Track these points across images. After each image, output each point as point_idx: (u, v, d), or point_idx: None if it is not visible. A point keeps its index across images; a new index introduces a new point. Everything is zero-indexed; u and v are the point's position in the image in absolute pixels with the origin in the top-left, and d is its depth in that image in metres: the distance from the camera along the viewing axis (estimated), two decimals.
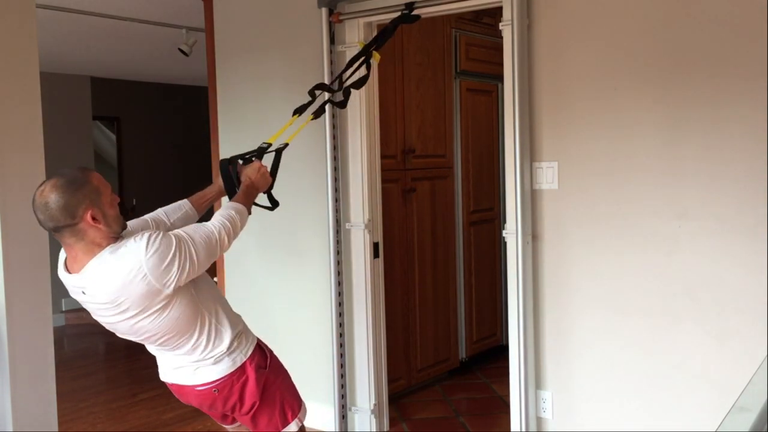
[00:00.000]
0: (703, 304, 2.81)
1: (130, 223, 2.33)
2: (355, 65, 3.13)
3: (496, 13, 3.43)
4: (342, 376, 3.74)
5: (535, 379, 3.19)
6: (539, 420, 3.22)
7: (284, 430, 2.44)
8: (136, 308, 2.10)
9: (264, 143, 2.73)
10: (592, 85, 3.01)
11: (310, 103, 2.94)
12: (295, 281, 3.98)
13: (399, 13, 3.31)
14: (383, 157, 3.84)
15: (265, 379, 2.39)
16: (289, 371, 2.56)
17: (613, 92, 2.97)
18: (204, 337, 2.27)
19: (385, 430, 3.81)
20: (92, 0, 4.46)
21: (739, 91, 2.70)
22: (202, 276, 2.29)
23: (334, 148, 3.65)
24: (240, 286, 4.22)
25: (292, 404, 2.48)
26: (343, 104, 3.09)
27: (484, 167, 4.91)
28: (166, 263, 2.05)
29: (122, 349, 6.31)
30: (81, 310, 7.26)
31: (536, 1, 3.09)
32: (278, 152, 2.73)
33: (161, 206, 2.65)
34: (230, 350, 2.31)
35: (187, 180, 10.29)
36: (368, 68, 3.09)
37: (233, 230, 2.32)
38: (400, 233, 4.25)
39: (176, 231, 2.18)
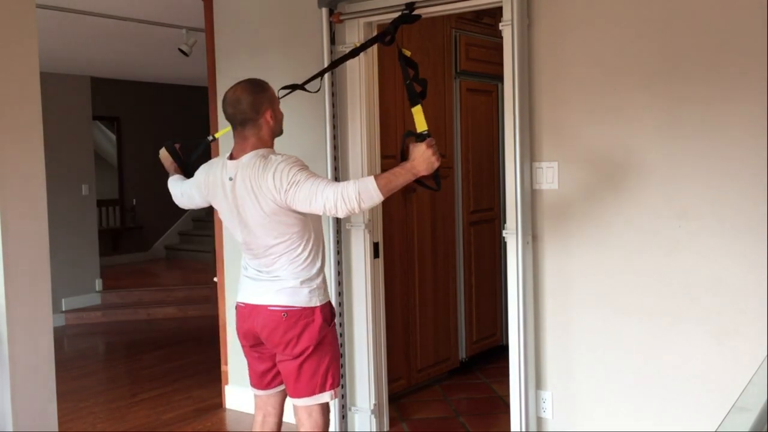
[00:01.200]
0: (703, 304, 2.81)
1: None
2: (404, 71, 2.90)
3: (496, 13, 3.43)
4: (342, 376, 3.74)
5: (535, 379, 3.19)
6: (539, 420, 3.22)
7: (320, 394, 2.60)
8: (264, 200, 2.48)
9: (210, 137, 3.08)
10: (592, 85, 3.01)
11: (293, 88, 3.00)
12: None
13: (399, 14, 3.31)
14: (383, 157, 3.83)
15: (326, 334, 2.61)
16: None
17: (613, 92, 2.97)
18: (303, 254, 2.57)
19: (385, 430, 3.81)
20: (92, 0, 4.46)
21: (738, 90, 2.70)
22: (318, 225, 2.66)
23: (335, 147, 3.65)
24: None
25: (335, 374, 2.65)
26: (423, 94, 2.80)
27: (484, 167, 4.91)
28: (293, 184, 2.44)
29: (122, 349, 6.32)
30: (81, 310, 7.29)
31: (536, 1, 3.09)
32: (425, 136, 2.57)
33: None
34: (312, 284, 2.59)
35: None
36: (413, 65, 2.83)
37: (347, 206, 2.39)
38: (400, 233, 4.25)
39: (313, 175, 2.48)
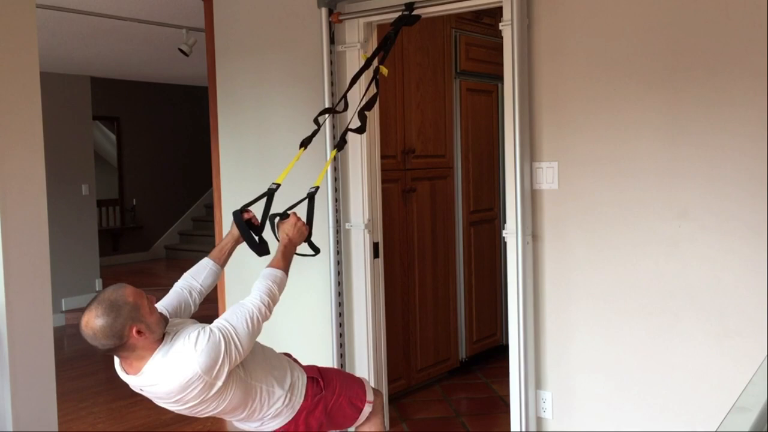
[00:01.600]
0: (703, 304, 2.81)
1: (165, 301, 2.54)
2: (367, 86, 3.14)
3: (496, 13, 3.44)
4: None
5: (535, 379, 3.19)
6: (539, 420, 3.22)
7: (361, 415, 2.70)
8: (194, 401, 2.30)
9: (273, 184, 2.79)
10: (592, 85, 3.01)
11: (316, 132, 3.00)
12: (294, 281, 3.97)
13: (399, 14, 3.31)
14: (383, 157, 3.84)
15: (324, 401, 2.61)
16: None
17: (613, 92, 2.97)
18: (257, 403, 2.45)
19: (386, 430, 3.80)
20: (92, 0, 4.46)
21: (739, 90, 2.70)
22: (258, 358, 2.48)
23: (334, 147, 3.64)
24: (240, 286, 4.21)
25: (358, 393, 2.70)
26: (361, 129, 3.05)
27: (484, 167, 4.91)
28: (216, 361, 2.24)
29: None
30: (81, 310, 7.27)
31: (536, 1, 3.09)
32: (311, 197, 2.72)
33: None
34: (286, 402, 2.50)
35: (186, 180, 10.33)
36: (377, 86, 3.08)
37: (273, 303, 2.46)
38: (400, 233, 4.25)
39: (218, 323, 2.31)
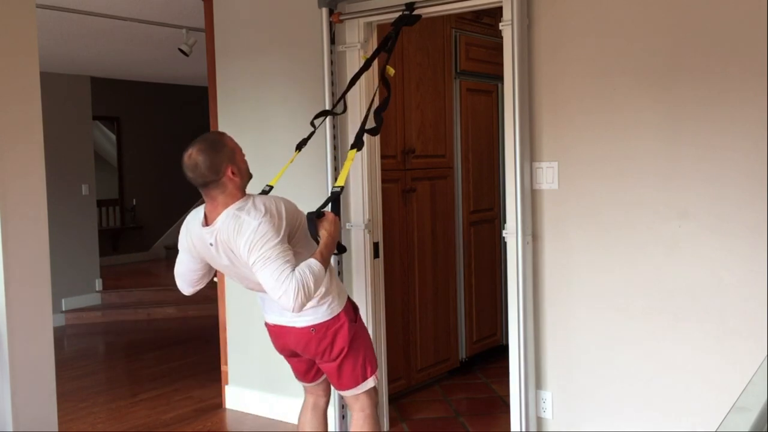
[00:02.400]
0: (703, 303, 2.81)
1: None
2: (377, 88, 3.15)
3: (496, 13, 3.44)
4: None
5: (535, 379, 3.19)
6: (539, 420, 3.22)
7: (363, 383, 2.76)
8: (244, 259, 2.45)
9: (267, 186, 2.87)
10: (592, 85, 3.01)
11: (312, 134, 3.05)
12: None
13: (399, 14, 3.31)
14: (383, 157, 3.84)
15: (354, 332, 2.71)
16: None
17: (613, 92, 2.97)
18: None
19: (385, 430, 3.81)
20: (92, 0, 4.46)
21: (739, 90, 2.70)
22: (303, 242, 2.61)
23: (335, 148, 3.65)
24: (240, 286, 4.21)
25: (372, 361, 2.79)
26: (376, 130, 3.06)
27: (484, 167, 4.91)
28: (258, 263, 2.41)
29: (122, 349, 6.32)
30: (81, 310, 7.29)
31: (536, 1, 3.09)
32: (336, 198, 2.73)
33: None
34: (325, 301, 2.63)
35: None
36: (388, 87, 3.07)
37: (306, 284, 2.40)
38: (400, 233, 4.25)
39: (281, 253, 2.42)
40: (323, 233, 2.59)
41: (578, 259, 3.09)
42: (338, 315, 2.67)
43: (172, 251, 10.18)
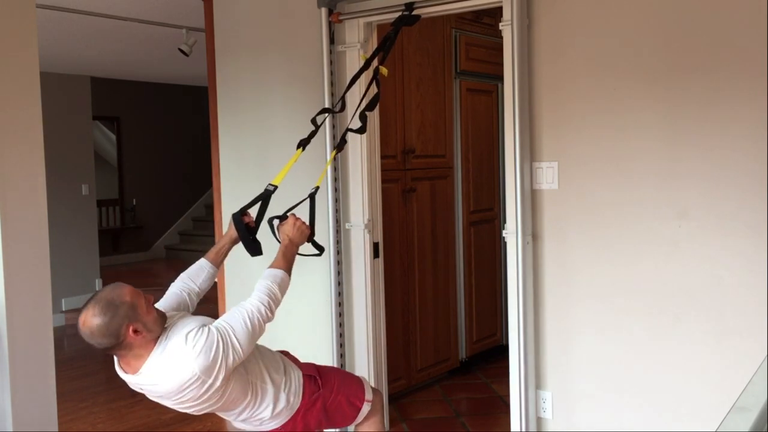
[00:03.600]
0: (703, 304, 2.81)
1: (164, 303, 2.54)
2: (367, 86, 3.15)
3: (496, 13, 3.43)
4: None
5: (535, 379, 3.19)
6: (539, 420, 3.22)
7: (359, 414, 2.69)
8: (193, 400, 2.30)
9: (270, 185, 2.77)
10: (592, 85, 3.01)
11: (314, 133, 2.98)
12: (295, 281, 3.97)
13: (399, 14, 3.31)
14: (383, 157, 3.84)
15: (322, 399, 2.60)
16: None
17: (613, 92, 2.97)
18: (253, 400, 2.45)
19: (386, 430, 3.80)
20: (92, 0, 4.46)
21: (739, 90, 2.70)
22: (250, 357, 2.44)
23: (334, 148, 3.64)
24: (240, 287, 4.22)
25: (356, 392, 2.70)
26: (362, 130, 3.06)
27: (484, 167, 4.91)
28: (215, 361, 2.22)
29: None
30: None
31: (536, 1, 3.09)
32: (312, 198, 2.73)
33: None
34: (282, 400, 2.50)
35: (186, 180, 10.33)
36: (378, 86, 3.08)
37: (275, 303, 2.41)
38: (400, 233, 4.25)
39: (217, 323, 2.31)
40: (283, 237, 2.58)
41: (578, 259, 3.09)
42: (300, 405, 2.55)
43: (172, 251, 10.18)
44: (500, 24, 3.11)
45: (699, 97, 2.78)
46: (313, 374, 2.64)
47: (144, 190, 9.87)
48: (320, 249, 2.81)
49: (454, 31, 4.60)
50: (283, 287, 2.47)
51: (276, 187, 2.75)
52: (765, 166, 2.65)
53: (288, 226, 2.61)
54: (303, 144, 2.95)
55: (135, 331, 2.19)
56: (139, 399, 4.57)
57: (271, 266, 2.53)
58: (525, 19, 3.07)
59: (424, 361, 4.45)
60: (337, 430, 2.93)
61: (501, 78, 3.21)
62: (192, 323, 2.30)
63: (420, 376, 4.43)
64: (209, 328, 2.26)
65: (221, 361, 2.23)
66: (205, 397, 2.29)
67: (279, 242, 2.62)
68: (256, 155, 4.11)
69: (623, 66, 2.94)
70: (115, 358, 2.32)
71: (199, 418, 4.16)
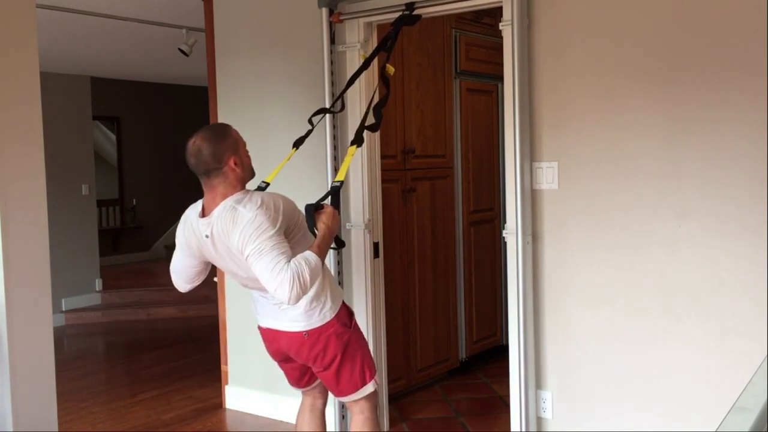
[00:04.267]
0: (703, 304, 2.81)
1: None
2: (377, 86, 3.17)
3: (496, 13, 3.44)
4: None
5: (535, 379, 3.19)
6: (539, 420, 3.22)
7: (363, 388, 2.73)
8: (239, 254, 2.45)
9: (263, 182, 2.86)
10: (592, 85, 3.01)
11: (309, 132, 3.06)
12: None
13: (399, 14, 3.31)
14: (383, 157, 3.84)
15: (348, 337, 2.69)
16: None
17: (613, 92, 2.97)
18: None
19: (385, 430, 3.81)
20: (92, 0, 4.46)
21: (739, 91, 2.70)
22: (302, 240, 2.58)
23: (334, 147, 3.65)
24: (240, 286, 4.21)
25: (370, 366, 2.77)
26: (375, 126, 3.05)
27: (484, 167, 4.91)
28: (252, 255, 2.40)
29: (122, 349, 6.32)
30: (81, 310, 7.29)
31: (536, 1, 3.09)
32: (335, 192, 2.73)
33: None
34: (318, 305, 2.62)
35: (186, 180, 10.32)
36: (388, 85, 3.07)
37: (301, 276, 2.37)
38: (400, 233, 4.25)
39: (275, 245, 2.40)
40: (321, 226, 2.58)
41: (578, 259, 3.09)
42: (331, 321, 2.65)
43: (172, 251, 10.16)
44: (500, 24, 3.11)
45: (699, 97, 2.78)
46: (350, 312, 2.78)
47: (144, 190, 9.86)
48: (341, 244, 2.86)
49: (454, 31, 4.60)
50: (314, 271, 2.41)
51: (268, 185, 2.89)
52: (765, 166, 2.65)
53: (326, 215, 2.60)
54: (297, 144, 2.98)
55: (235, 163, 2.51)
56: (139, 399, 4.58)
57: (312, 249, 2.49)
58: (525, 19, 3.08)
59: (424, 361, 4.45)
60: (330, 398, 3.02)
61: (501, 78, 3.21)
62: (261, 212, 2.42)
63: (420, 376, 4.43)
64: (270, 221, 2.41)
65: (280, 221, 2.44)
66: (271, 225, 2.40)
67: (315, 231, 2.60)
68: (256, 155, 4.08)
69: (623, 66, 2.94)
70: (194, 210, 2.60)
71: (199, 419, 4.16)
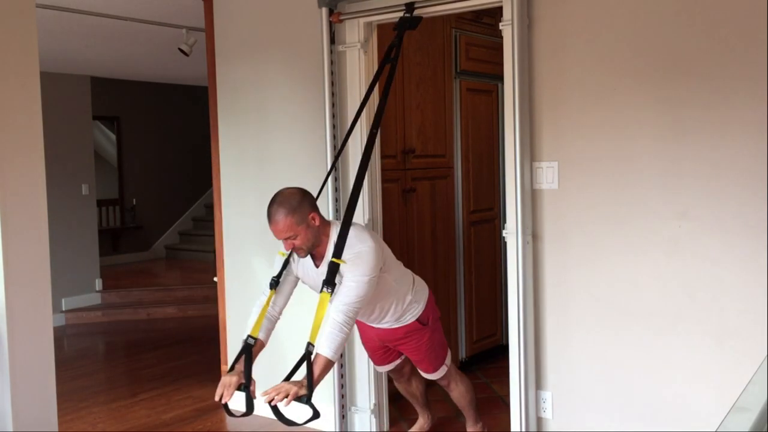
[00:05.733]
0: (703, 304, 2.81)
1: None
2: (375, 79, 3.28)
3: (496, 13, 3.43)
4: (342, 375, 3.74)
5: (535, 379, 3.19)
6: (539, 420, 3.22)
7: (435, 372, 3.31)
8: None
9: (250, 337, 2.78)
10: (593, 85, 3.01)
11: (281, 272, 2.94)
12: None
13: (399, 13, 3.31)
14: (383, 157, 3.84)
15: (428, 334, 3.19)
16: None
17: (613, 92, 2.97)
18: (392, 306, 3.09)
19: (385, 430, 3.81)
20: (92, 0, 4.46)
21: (738, 91, 2.70)
22: (392, 271, 3.02)
23: (335, 148, 3.65)
24: (240, 286, 4.22)
25: (441, 354, 3.29)
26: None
27: (484, 167, 4.91)
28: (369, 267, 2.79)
29: (122, 349, 6.32)
30: (81, 310, 7.29)
31: (536, 1, 3.09)
32: (308, 356, 2.65)
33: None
34: (409, 309, 3.13)
35: (186, 180, 10.33)
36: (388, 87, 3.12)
37: (343, 330, 2.75)
38: (400, 233, 4.25)
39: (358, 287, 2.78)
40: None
41: (578, 258, 3.09)
42: (415, 322, 3.14)
43: (172, 251, 10.18)
44: (500, 24, 3.11)
45: (699, 97, 2.78)
46: (429, 308, 3.20)
47: (144, 190, 9.86)
48: (316, 414, 2.57)
49: (454, 31, 4.60)
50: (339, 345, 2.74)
51: (254, 339, 2.80)
52: (765, 166, 2.65)
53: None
54: (273, 285, 2.90)
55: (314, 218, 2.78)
56: (139, 399, 4.58)
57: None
58: (525, 19, 3.08)
59: None
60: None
61: (501, 78, 3.21)
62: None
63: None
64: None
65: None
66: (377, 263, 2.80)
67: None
68: (256, 155, 4.11)
69: (623, 66, 2.94)
70: (302, 263, 2.90)
71: (199, 419, 4.16)
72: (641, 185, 2.92)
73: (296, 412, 2.59)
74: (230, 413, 2.71)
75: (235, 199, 4.21)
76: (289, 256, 2.89)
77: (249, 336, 2.78)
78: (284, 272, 2.91)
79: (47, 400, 3.10)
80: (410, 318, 3.13)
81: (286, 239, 2.75)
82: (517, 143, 3.07)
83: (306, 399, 2.49)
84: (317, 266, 2.87)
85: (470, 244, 4.80)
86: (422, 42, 4.35)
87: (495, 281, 5.02)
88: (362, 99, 3.34)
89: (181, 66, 6.94)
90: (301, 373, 2.61)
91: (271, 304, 2.87)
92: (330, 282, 2.66)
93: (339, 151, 3.44)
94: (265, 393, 2.56)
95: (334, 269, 2.68)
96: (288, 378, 2.66)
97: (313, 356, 2.59)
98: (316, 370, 2.56)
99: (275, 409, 2.58)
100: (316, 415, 2.51)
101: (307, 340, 2.61)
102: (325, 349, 2.61)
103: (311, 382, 2.55)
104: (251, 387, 2.65)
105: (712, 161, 2.77)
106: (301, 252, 2.80)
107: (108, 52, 6.26)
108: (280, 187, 2.89)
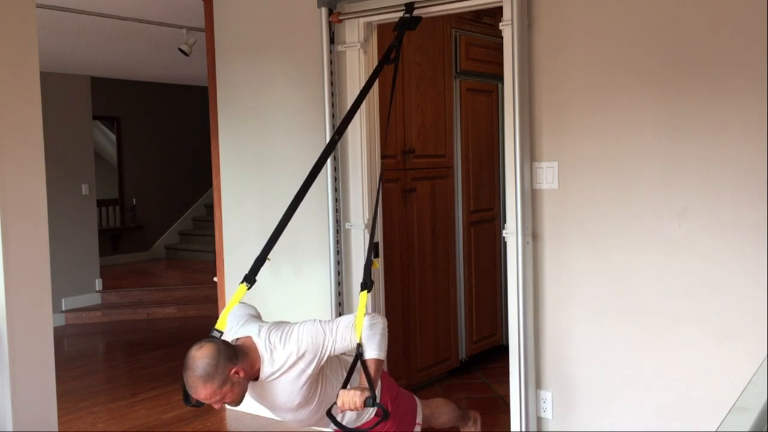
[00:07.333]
0: (703, 304, 2.81)
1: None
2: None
3: (496, 13, 3.44)
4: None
5: (535, 379, 3.19)
6: (539, 420, 3.22)
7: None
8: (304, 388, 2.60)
9: (216, 330, 2.67)
10: (593, 85, 3.01)
11: (257, 269, 2.97)
12: (294, 280, 3.98)
13: (399, 14, 3.31)
14: (383, 157, 3.84)
15: (394, 420, 2.79)
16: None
17: (613, 92, 2.97)
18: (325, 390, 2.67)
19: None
20: (92, 0, 4.46)
21: (738, 91, 2.70)
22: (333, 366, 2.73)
23: (334, 157, 3.64)
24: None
25: (410, 420, 2.92)
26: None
27: (484, 167, 4.91)
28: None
29: (122, 349, 6.32)
30: (81, 310, 7.29)
31: (536, 1, 3.09)
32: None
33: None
34: (362, 414, 2.73)
35: (186, 180, 10.33)
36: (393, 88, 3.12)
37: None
38: (400, 233, 4.25)
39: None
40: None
41: (578, 258, 3.09)
42: (374, 417, 2.72)
43: (172, 251, 10.18)
44: (500, 24, 3.11)
45: (699, 97, 2.78)
46: (388, 397, 2.80)
47: (144, 190, 9.86)
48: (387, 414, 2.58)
49: (454, 31, 4.60)
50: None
51: (221, 333, 2.64)
52: (765, 166, 2.65)
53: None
54: (248, 279, 2.92)
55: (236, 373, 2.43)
56: (139, 399, 4.58)
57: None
58: (525, 19, 3.08)
59: (424, 361, 4.45)
60: None
61: (501, 78, 3.21)
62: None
63: (420, 376, 4.43)
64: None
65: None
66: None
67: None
68: (256, 155, 4.11)
69: (623, 66, 2.94)
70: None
71: (199, 419, 4.16)
72: (641, 185, 2.92)
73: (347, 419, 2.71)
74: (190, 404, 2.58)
75: (235, 199, 4.21)
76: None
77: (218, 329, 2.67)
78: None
79: (47, 400, 3.10)
80: (367, 416, 2.77)
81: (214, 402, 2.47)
82: (517, 143, 3.07)
83: (371, 401, 2.42)
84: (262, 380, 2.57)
85: (470, 244, 4.80)
86: (422, 42, 4.35)
87: (495, 281, 5.02)
88: (355, 98, 3.27)
89: (181, 66, 6.95)
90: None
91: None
92: (365, 284, 2.65)
93: (329, 148, 3.33)
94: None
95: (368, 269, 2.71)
96: (344, 386, 2.58)
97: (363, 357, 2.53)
98: (371, 371, 2.49)
99: (335, 420, 2.62)
100: (386, 414, 2.51)
101: (356, 341, 2.54)
102: (369, 352, 2.51)
103: (371, 383, 2.47)
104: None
105: (712, 161, 2.77)
106: (235, 403, 2.52)
107: (108, 52, 6.26)
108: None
